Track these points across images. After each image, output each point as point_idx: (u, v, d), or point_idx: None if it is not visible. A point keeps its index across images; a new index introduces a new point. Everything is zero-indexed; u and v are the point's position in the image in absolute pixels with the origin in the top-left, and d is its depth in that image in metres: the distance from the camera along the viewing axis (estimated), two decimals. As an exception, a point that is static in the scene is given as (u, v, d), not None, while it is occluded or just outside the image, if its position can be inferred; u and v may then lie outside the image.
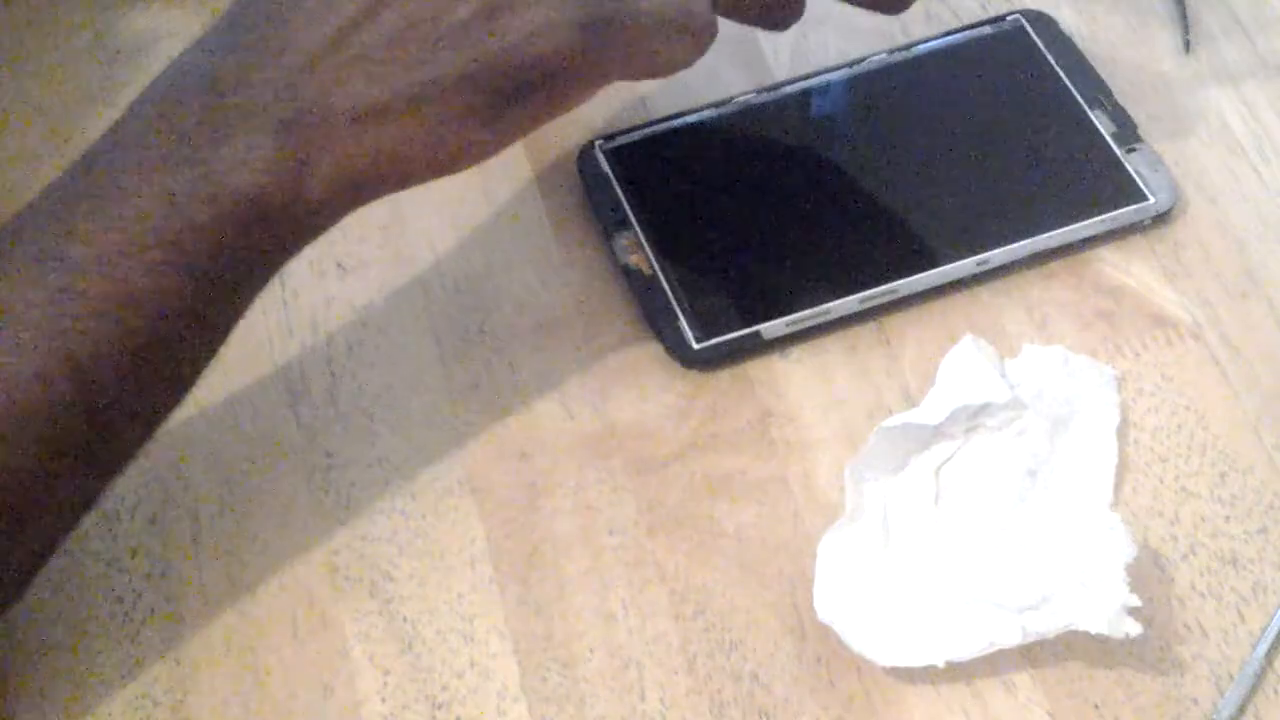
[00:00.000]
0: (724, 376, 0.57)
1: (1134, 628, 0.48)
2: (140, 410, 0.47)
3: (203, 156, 0.45)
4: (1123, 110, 0.62)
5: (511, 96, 0.46)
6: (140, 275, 0.44)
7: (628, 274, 0.59)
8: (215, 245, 0.45)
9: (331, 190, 0.46)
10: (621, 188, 0.61)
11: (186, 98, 0.45)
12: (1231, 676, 0.50)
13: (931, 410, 0.53)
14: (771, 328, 0.57)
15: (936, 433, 0.53)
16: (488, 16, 0.45)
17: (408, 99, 0.45)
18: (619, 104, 0.64)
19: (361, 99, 0.45)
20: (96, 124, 0.64)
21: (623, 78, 0.49)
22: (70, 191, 0.46)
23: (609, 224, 0.60)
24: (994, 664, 0.50)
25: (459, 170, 0.48)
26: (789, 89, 0.64)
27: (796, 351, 0.58)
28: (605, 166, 0.61)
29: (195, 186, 0.44)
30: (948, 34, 0.65)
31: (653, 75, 0.49)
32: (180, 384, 0.48)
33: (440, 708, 0.50)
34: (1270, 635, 0.50)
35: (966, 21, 0.66)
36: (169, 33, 0.67)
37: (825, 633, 0.50)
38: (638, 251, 0.59)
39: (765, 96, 0.63)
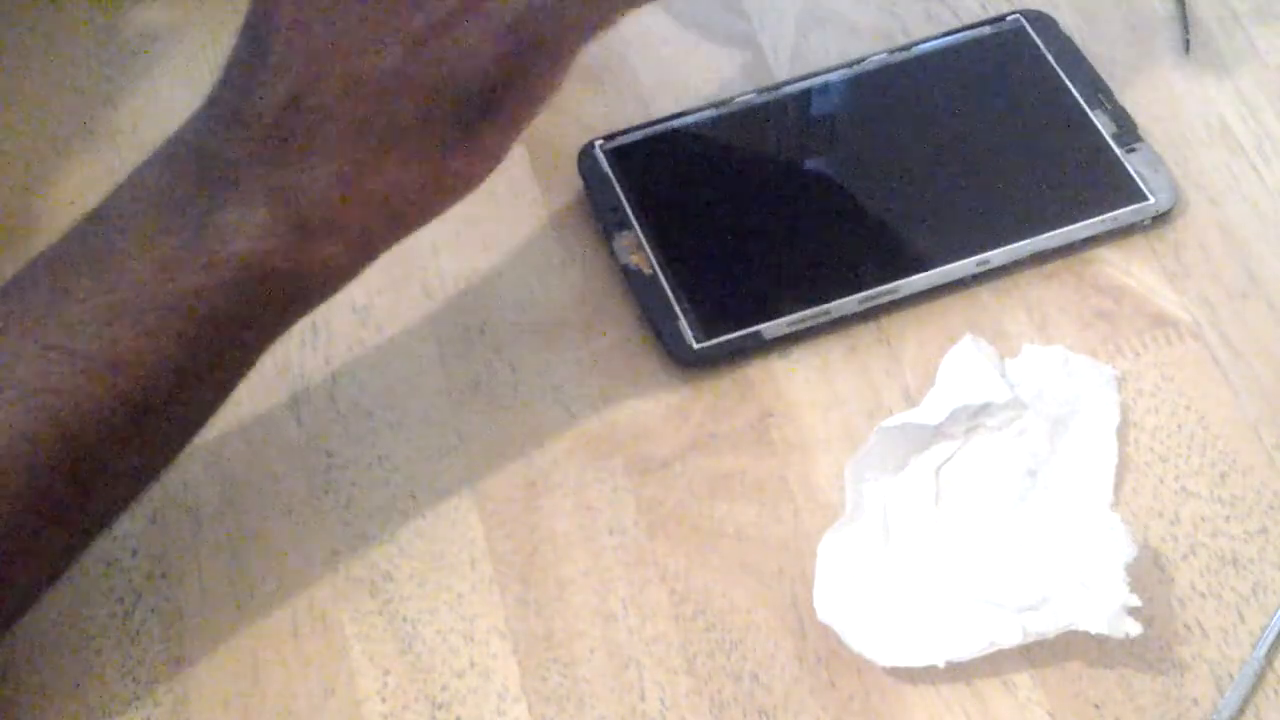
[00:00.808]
0: (724, 376, 0.57)
1: (1134, 628, 0.48)
2: (126, 472, 0.47)
3: (198, 224, 0.44)
4: (1123, 110, 0.62)
5: (481, 111, 0.45)
6: (132, 337, 0.44)
7: (628, 274, 0.59)
8: (211, 310, 0.45)
9: (339, 247, 0.46)
10: (621, 188, 0.61)
11: (179, 170, 0.45)
12: (1231, 676, 0.50)
13: (931, 410, 0.53)
14: (771, 328, 0.57)
15: (936, 433, 0.53)
16: (417, 51, 0.44)
17: (380, 148, 0.45)
18: (619, 104, 0.64)
19: (338, 157, 0.45)
20: (96, 124, 0.65)
21: (591, 38, 0.46)
22: (67, 254, 0.46)
23: (609, 224, 0.60)
24: (994, 664, 0.50)
25: (467, 192, 0.47)
26: (789, 89, 0.64)
27: (796, 351, 0.58)
28: (605, 166, 0.61)
29: (192, 252, 0.44)
30: (948, 34, 0.65)
31: (624, 11, 0.46)
32: (169, 447, 0.48)
33: (440, 708, 0.50)
34: (1270, 635, 0.50)
35: (966, 21, 0.66)
36: (169, 33, 0.67)
37: (825, 633, 0.50)
38: (638, 251, 0.59)
39: (765, 96, 0.63)
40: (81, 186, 0.62)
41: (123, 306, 0.44)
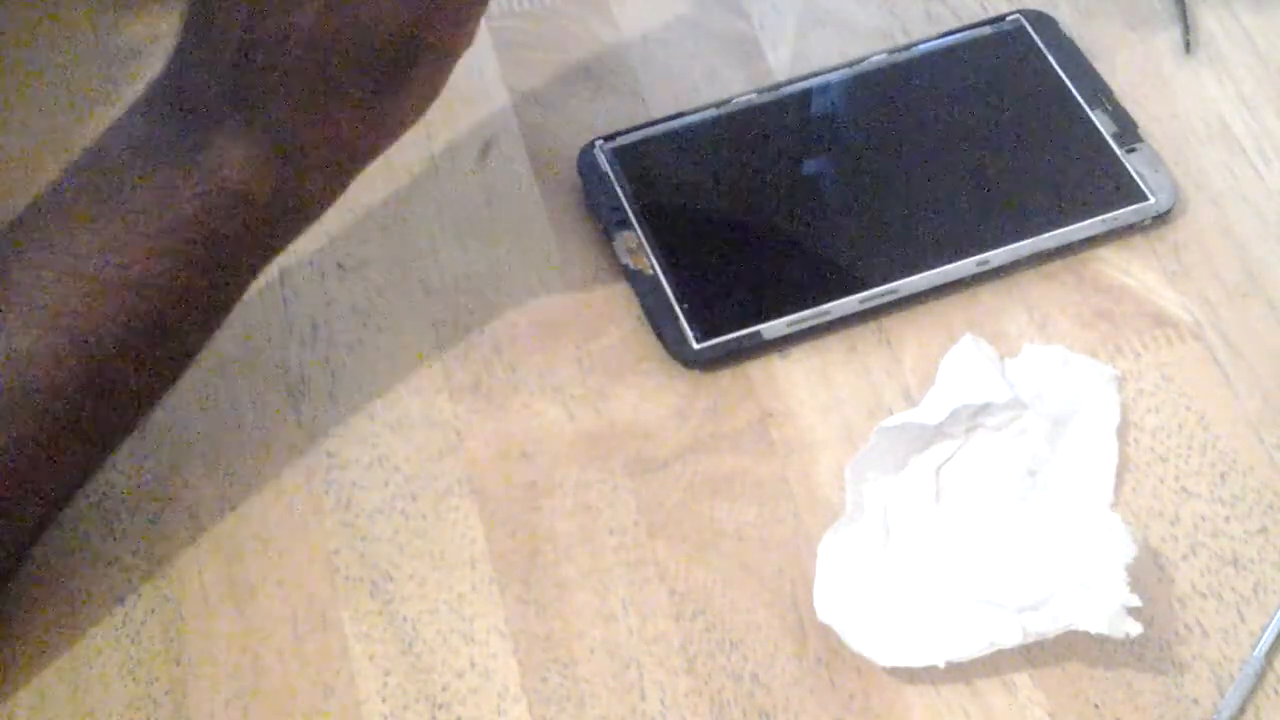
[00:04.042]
0: (724, 376, 0.57)
1: (1134, 628, 0.48)
2: (139, 386, 0.50)
3: (191, 158, 0.48)
4: (1123, 110, 0.62)
5: (398, 65, 0.48)
6: (139, 260, 0.48)
7: (628, 274, 0.59)
8: (210, 233, 0.48)
9: (315, 174, 0.49)
10: (621, 188, 0.61)
11: (163, 112, 0.49)
12: (1231, 676, 0.50)
13: (931, 410, 0.53)
14: (771, 328, 0.57)
15: (937, 432, 0.53)
16: (331, 11, 0.47)
17: (321, 94, 0.48)
18: (619, 104, 0.64)
19: (292, 100, 0.48)
20: (96, 124, 0.64)
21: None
22: (72, 189, 0.49)
23: (609, 224, 0.60)
24: (994, 664, 0.50)
25: (407, 128, 0.50)
26: (789, 89, 0.64)
27: (796, 351, 0.58)
28: (605, 166, 0.61)
29: (188, 182, 0.48)
30: (948, 34, 0.65)
31: None
32: (177, 362, 0.51)
33: (440, 708, 0.50)
34: (1270, 635, 0.50)
35: (966, 21, 0.66)
36: (168, 33, 0.67)
37: (825, 633, 0.50)
38: (638, 251, 0.59)
39: (765, 96, 0.64)
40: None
41: (130, 233, 0.48)
